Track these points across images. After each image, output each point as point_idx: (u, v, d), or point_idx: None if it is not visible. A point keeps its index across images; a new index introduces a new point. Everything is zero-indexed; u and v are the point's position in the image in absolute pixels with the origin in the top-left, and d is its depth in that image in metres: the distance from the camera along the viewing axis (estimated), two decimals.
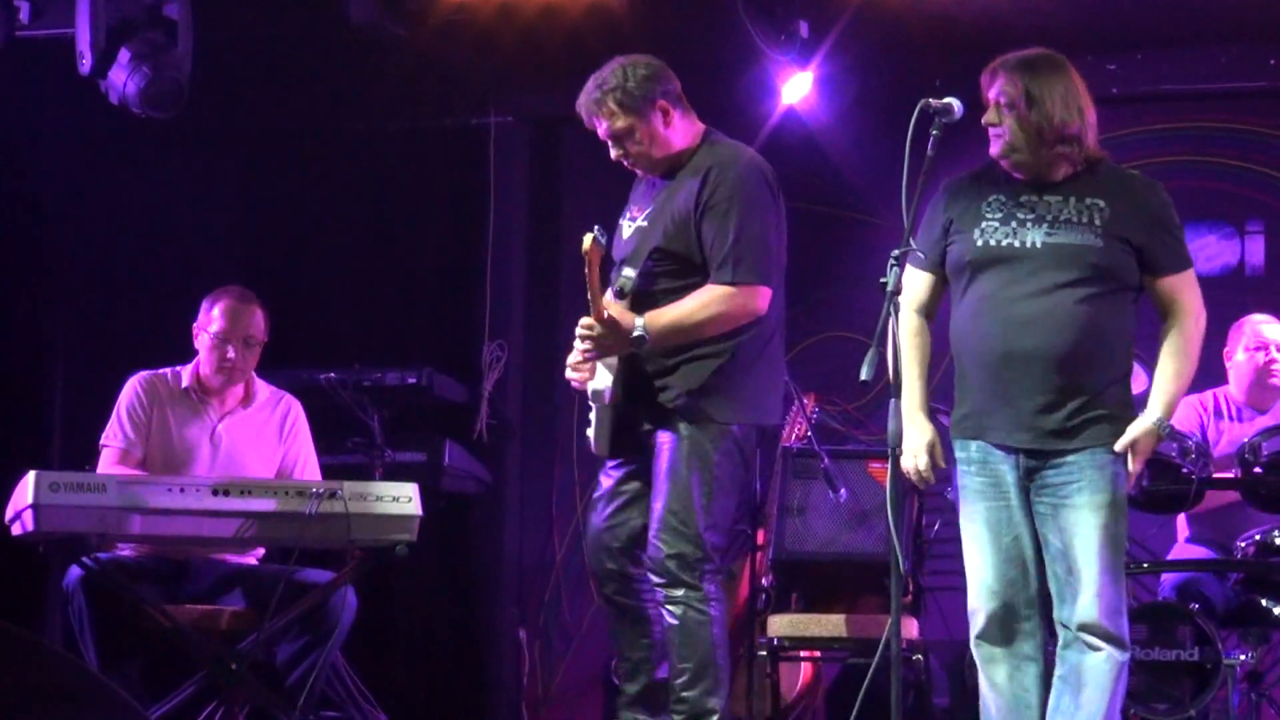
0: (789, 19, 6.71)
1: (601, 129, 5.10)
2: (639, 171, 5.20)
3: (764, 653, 6.21)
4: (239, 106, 7.10)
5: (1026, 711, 4.61)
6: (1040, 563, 4.60)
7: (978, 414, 4.64)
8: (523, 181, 7.72)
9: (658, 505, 5.01)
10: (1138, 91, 7.22)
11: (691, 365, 5.02)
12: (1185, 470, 5.64)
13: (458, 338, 7.56)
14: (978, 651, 4.66)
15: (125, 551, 5.57)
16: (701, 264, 5.02)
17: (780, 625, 6.19)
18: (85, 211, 6.94)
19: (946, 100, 4.52)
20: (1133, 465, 4.55)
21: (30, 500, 4.99)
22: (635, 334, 4.95)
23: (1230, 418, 6.20)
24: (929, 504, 6.29)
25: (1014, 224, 4.60)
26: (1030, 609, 4.62)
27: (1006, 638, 4.62)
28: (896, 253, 4.44)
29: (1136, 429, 4.54)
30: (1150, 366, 4.69)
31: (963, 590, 4.71)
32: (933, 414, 4.78)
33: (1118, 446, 4.53)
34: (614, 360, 5.05)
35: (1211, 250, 7.29)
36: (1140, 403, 4.65)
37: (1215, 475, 5.79)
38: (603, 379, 5.05)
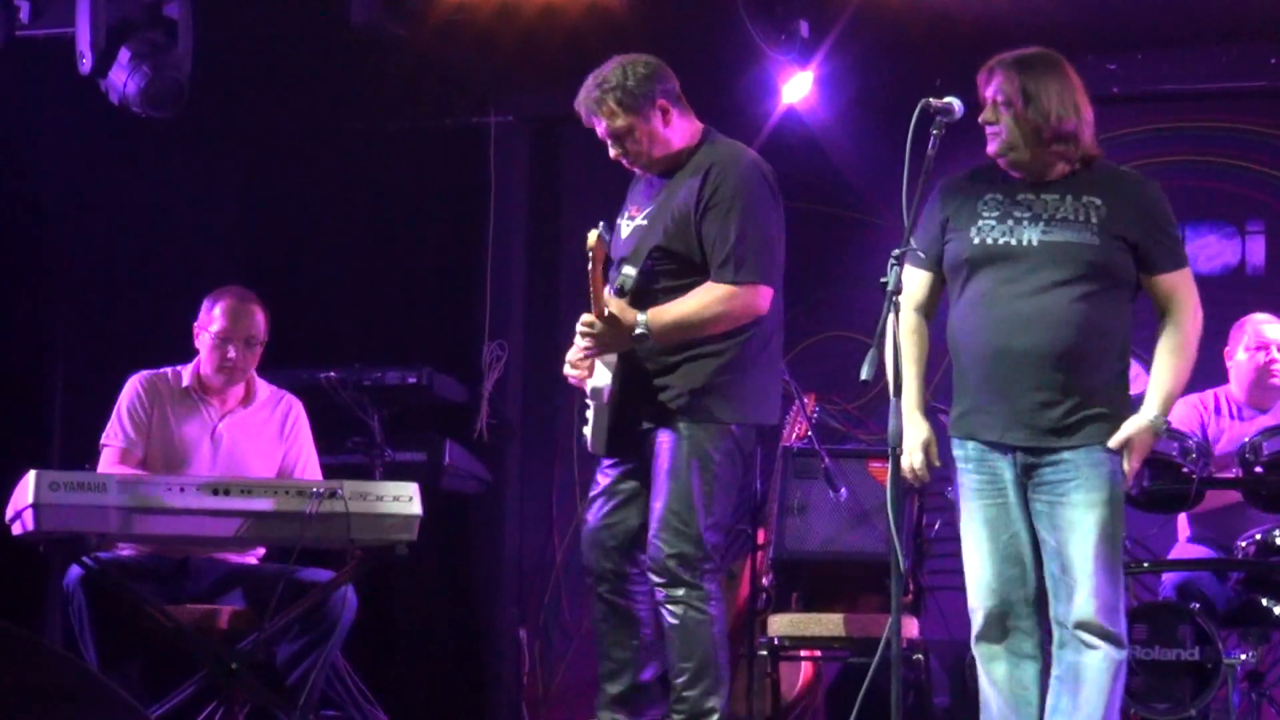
0: (789, 18, 6.71)
1: (600, 128, 5.09)
2: (637, 170, 5.20)
3: (764, 652, 6.22)
4: (239, 106, 7.10)
5: (1025, 709, 4.62)
6: (1038, 561, 4.60)
7: (975, 412, 4.64)
8: (523, 181, 7.72)
9: (658, 505, 5.01)
10: (1138, 91, 7.22)
11: (692, 364, 5.02)
12: (1185, 470, 5.64)
13: (458, 338, 7.56)
14: (977, 650, 4.67)
15: (125, 551, 5.57)
16: (702, 262, 5.02)
17: (780, 625, 6.19)
18: (85, 211, 6.93)
19: (947, 100, 4.53)
20: (1129, 462, 4.55)
21: (30, 500, 4.99)
22: (637, 331, 4.96)
23: (1231, 417, 6.20)
24: (929, 504, 6.29)
25: (1010, 222, 4.61)
26: (1028, 607, 4.62)
27: (1004, 635, 4.63)
28: (896, 252, 4.45)
29: (1131, 426, 4.54)
30: (1150, 366, 4.69)
31: (963, 590, 4.72)
32: (933, 413, 4.78)
33: (1112, 443, 4.53)
34: (613, 358, 5.05)
35: (1212, 250, 7.30)
36: (1139, 403, 4.65)
37: (1216, 475, 5.79)
38: (602, 377, 5.05)
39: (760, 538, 6.34)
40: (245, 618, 5.49)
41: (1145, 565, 6.04)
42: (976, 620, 4.65)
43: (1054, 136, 4.56)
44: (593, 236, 4.93)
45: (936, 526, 6.36)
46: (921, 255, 4.66)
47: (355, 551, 5.40)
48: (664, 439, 5.02)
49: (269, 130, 7.39)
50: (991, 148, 4.63)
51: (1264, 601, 5.78)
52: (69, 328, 6.96)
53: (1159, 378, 4.60)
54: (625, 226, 5.17)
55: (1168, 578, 6.09)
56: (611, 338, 4.98)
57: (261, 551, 5.77)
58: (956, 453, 4.71)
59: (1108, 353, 4.59)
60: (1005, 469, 4.61)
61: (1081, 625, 4.52)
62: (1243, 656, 5.69)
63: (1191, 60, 7.15)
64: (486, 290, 7.57)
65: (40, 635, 5.72)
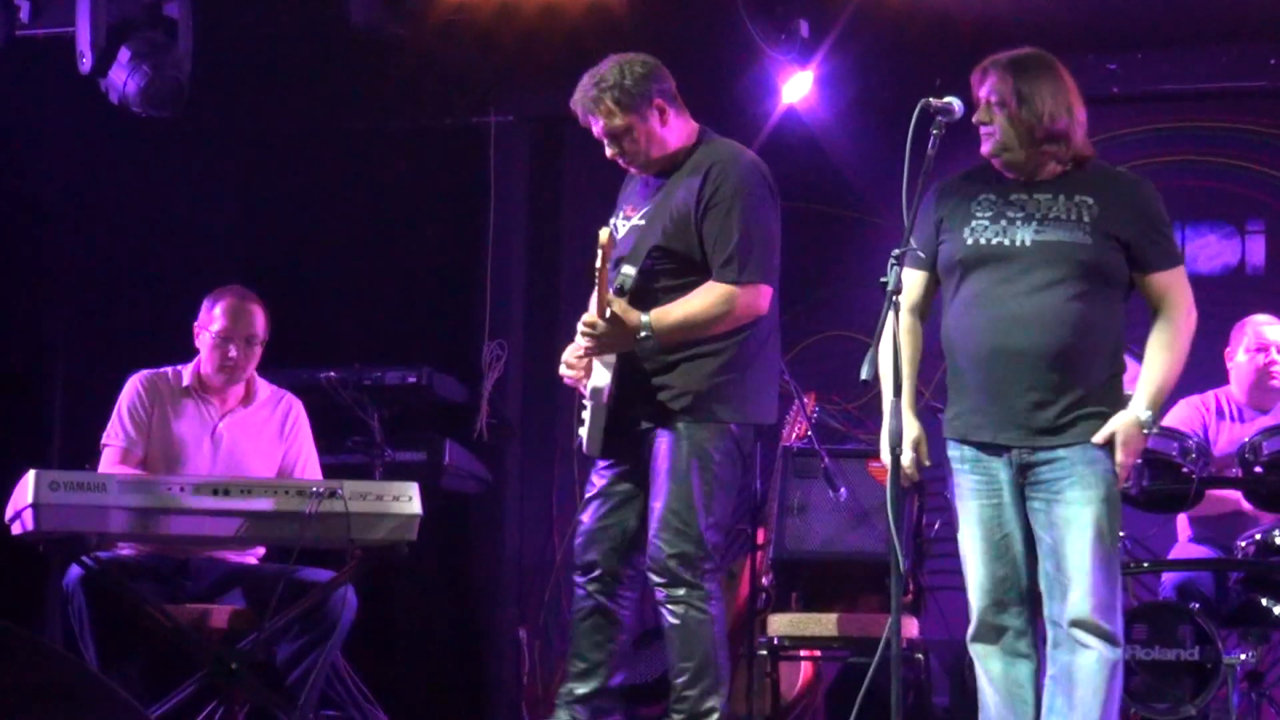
0: (789, 18, 6.72)
1: (597, 127, 5.08)
2: (633, 170, 5.19)
3: (764, 652, 6.22)
4: (239, 106, 7.10)
5: (1022, 707, 4.62)
6: (1033, 561, 4.61)
7: (970, 413, 4.65)
8: (523, 181, 7.72)
9: (658, 505, 5.00)
10: (1138, 91, 7.23)
11: (691, 364, 5.01)
12: (1185, 470, 5.64)
13: (458, 337, 7.56)
14: (972, 649, 4.68)
15: (125, 551, 5.57)
16: (702, 261, 5.02)
17: (780, 625, 6.20)
18: (85, 211, 6.93)
19: (946, 100, 4.53)
20: (1118, 457, 4.53)
21: (30, 499, 4.98)
22: (641, 334, 4.95)
23: (1231, 418, 6.21)
24: (929, 503, 6.30)
25: (1004, 222, 4.62)
26: (1022, 606, 4.63)
27: (998, 635, 4.63)
28: (896, 252, 4.45)
29: (1116, 421, 4.54)
30: None
31: (963, 590, 4.72)
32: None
33: (1096, 438, 4.53)
34: (611, 358, 5.04)
35: (1211, 250, 7.30)
36: None
37: (1216, 475, 5.79)
38: (601, 377, 5.03)
39: (760, 537, 6.34)
40: (245, 617, 5.48)
41: (1145, 565, 6.04)
42: (971, 619, 4.66)
43: (1047, 137, 4.58)
44: (604, 234, 4.93)
45: (936, 526, 6.37)
46: (921, 255, 4.66)
47: (355, 551, 5.40)
48: (663, 439, 5.02)
49: (269, 130, 7.39)
50: (985, 148, 4.64)
51: (1264, 601, 5.77)
52: (69, 328, 6.96)
53: (1148, 373, 4.61)
54: (622, 226, 5.16)
55: (1168, 577, 6.09)
56: (613, 338, 4.98)
57: (261, 551, 5.77)
58: (952, 453, 4.71)
59: (1102, 352, 4.59)
60: (1000, 469, 4.61)
61: (1077, 623, 4.52)
62: (1242, 656, 5.69)
63: (1191, 60, 7.15)
64: (486, 290, 7.57)
65: (40, 635, 5.71)
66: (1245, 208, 7.29)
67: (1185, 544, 6.24)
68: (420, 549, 5.40)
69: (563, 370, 5.14)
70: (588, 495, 5.20)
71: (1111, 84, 7.11)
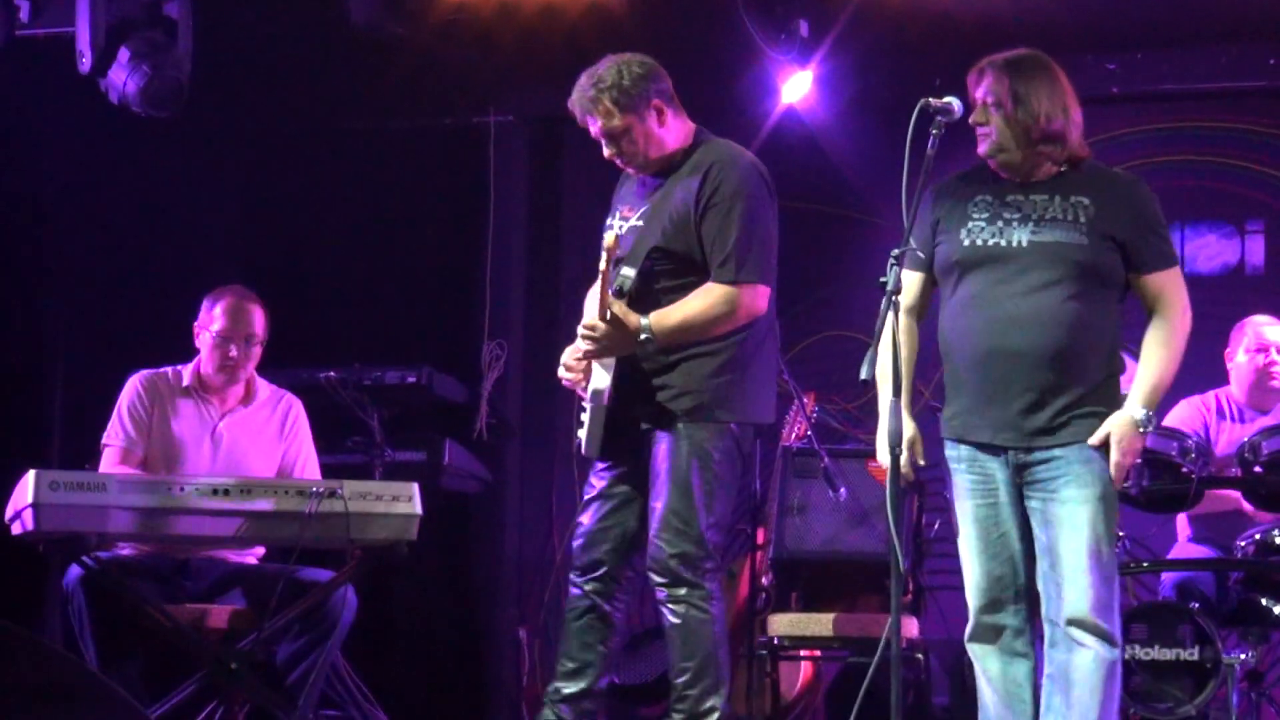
0: (789, 18, 6.72)
1: (595, 127, 5.07)
2: (630, 170, 5.19)
3: (764, 652, 6.22)
4: (239, 106, 7.10)
5: (1020, 706, 4.63)
6: (1031, 561, 4.61)
7: (967, 413, 4.65)
8: (523, 181, 7.72)
9: (658, 505, 5.00)
10: (1138, 91, 7.23)
11: (690, 364, 5.01)
12: (1185, 470, 5.64)
13: (458, 337, 7.56)
14: (970, 648, 4.68)
15: (125, 550, 5.58)
16: (702, 262, 5.01)
17: (780, 624, 6.20)
18: (85, 211, 6.93)
19: (946, 100, 4.54)
20: (1115, 457, 4.53)
21: (30, 499, 4.98)
22: (642, 336, 4.95)
23: (1232, 419, 6.21)
24: (929, 503, 6.30)
25: (1000, 223, 4.62)
26: (1020, 605, 4.63)
27: (996, 634, 4.64)
28: (896, 252, 4.46)
29: (1112, 421, 4.54)
30: None
31: (963, 590, 4.72)
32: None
33: (1092, 441, 4.53)
34: (610, 360, 5.04)
35: (1211, 250, 7.30)
36: None
37: (1216, 475, 5.80)
38: (601, 378, 5.03)
39: (760, 537, 6.34)
40: (245, 617, 5.49)
41: (1145, 565, 6.04)
42: (969, 618, 4.67)
43: (1043, 137, 4.58)
44: (610, 237, 4.93)
45: (936, 526, 6.37)
46: (921, 255, 4.67)
47: (355, 551, 5.40)
48: (663, 439, 5.02)
49: (269, 130, 7.39)
50: (982, 149, 4.65)
51: (1263, 601, 5.78)
52: (69, 328, 6.95)
53: (1144, 372, 4.61)
54: (619, 228, 5.15)
55: (1167, 577, 6.09)
56: (614, 341, 4.97)
57: (261, 551, 5.77)
58: (949, 453, 4.71)
59: (1099, 352, 4.59)
60: (997, 469, 4.62)
61: (1073, 621, 4.52)
62: (1242, 656, 5.69)
63: (1191, 60, 7.15)
64: (486, 290, 7.57)
65: (40, 635, 5.72)
66: (1245, 208, 7.29)
67: (1185, 543, 6.24)
68: (420, 549, 5.40)
69: (561, 373, 5.14)
70: (587, 497, 5.19)
71: (1111, 84, 7.11)
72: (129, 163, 6.81)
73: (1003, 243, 4.60)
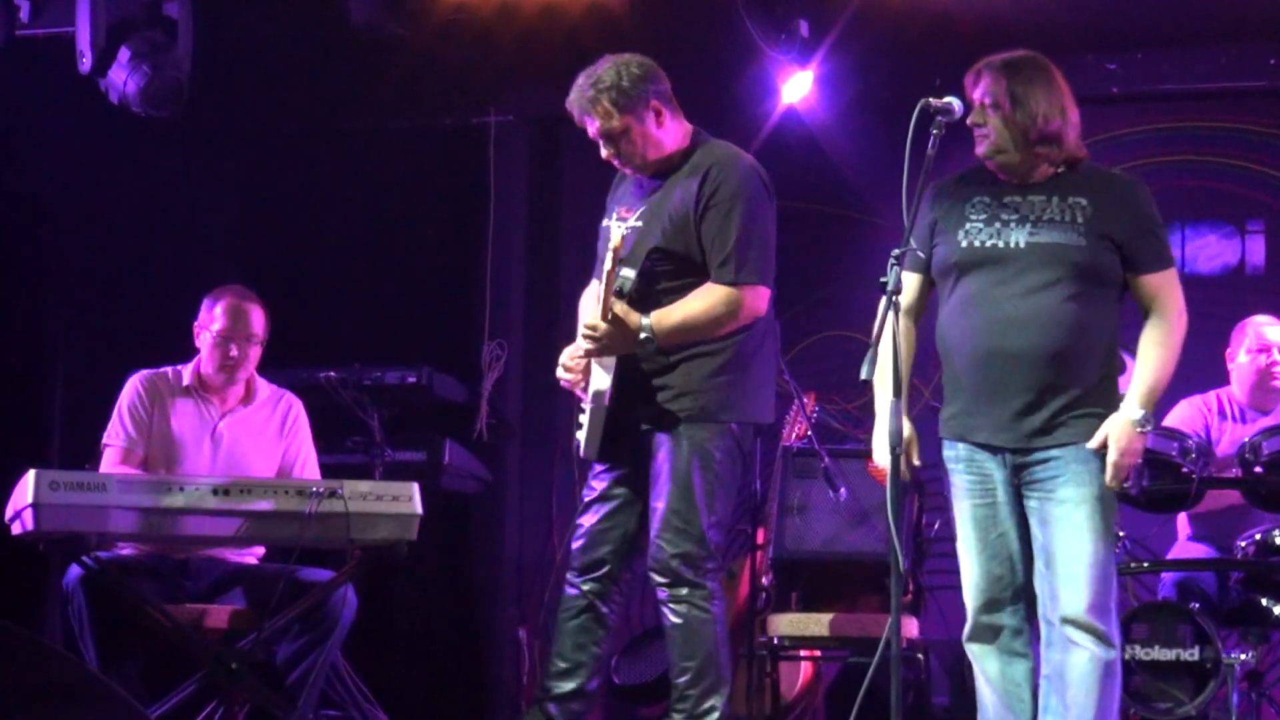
0: (789, 18, 6.72)
1: (593, 128, 5.07)
2: (627, 171, 5.18)
3: (764, 652, 6.22)
4: (239, 106, 7.10)
5: (1019, 705, 4.63)
6: (1029, 560, 4.61)
7: (965, 413, 4.65)
8: (523, 181, 7.72)
9: (659, 505, 5.00)
10: (1138, 91, 7.23)
11: (690, 364, 5.01)
12: (1185, 470, 5.64)
13: (458, 337, 7.56)
14: (969, 648, 4.68)
15: (125, 550, 5.57)
16: (702, 262, 5.02)
17: (780, 625, 6.20)
18: (85, 211, 6.93)
19: (946, 100, 4.54)
20: (1113, 457, 4.52)
21: (30, 499, 4.99)
22: (642, 336, 4.95)
23: (1233, 419, 6.21)
24: (929, 503, 6.29)
25: (998, 224, 4.62)
26: (1018, 605, 4.63)
27: (994, 634, 4.64)
28: (896, 252, 4.45)
29: (1109, 424, 4.54)
30: None
31: (962, 589, 4.72)
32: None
33: (1090, 444, 4.53)
34: (610, 361, 5.04)
35: (1211, 250, 7.30)
36: None
37: (1216, 476, 5.79)
38: (601, 379, 5.03)
39: (760, 537, 6.34)
40: (245, 617, 5.49)
41: (1145, 565, 6.04)
42: (968, 618, 4.67)
43: (1040, 138, 4.58)
44: (616, 237, 4.93)
45: (936, 526, 6.36)
46: (921, 256, 4.67)
47: (355, 551, 5.40)
48: (663, 440, 5.02)
49: (269, 130, 7.39)
50: (980, 150, 4.65)
51: (1263, 601, 5.78)
52: (69, 328, 6.95)
53: (1141, 372, 4.60)
54: (617, 228, 5.15)
55: (1167, 577, 6.09)
56: (615, 340, 4.97)
57: (261, 551, 5.77)
58: (947, 454, 4.72)
59: (1097, 352, 4.59)
60: (995, 470, 4.62)
61: (1070, 621, 4.51)
62: (1242, 656, 5.69)
63: (1191, 60, 7.16)
64: (486, 290, 7.57)
65: (40, 635, 5.72)
66: (1245, 208, 7.29)
67: (1184, 542, 6.24)
68: (420, 549, 5.40)
69: (560, 373, 5.14)
70: (587, 499, 5.19)
71: (1111, 84, 7.11)
72: (129, 163, 6.81)
73: (1000, 244, 4.60)
